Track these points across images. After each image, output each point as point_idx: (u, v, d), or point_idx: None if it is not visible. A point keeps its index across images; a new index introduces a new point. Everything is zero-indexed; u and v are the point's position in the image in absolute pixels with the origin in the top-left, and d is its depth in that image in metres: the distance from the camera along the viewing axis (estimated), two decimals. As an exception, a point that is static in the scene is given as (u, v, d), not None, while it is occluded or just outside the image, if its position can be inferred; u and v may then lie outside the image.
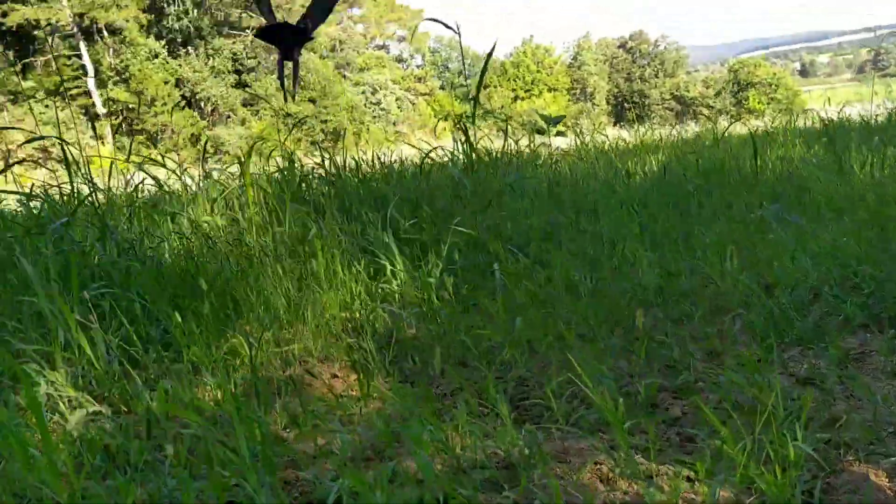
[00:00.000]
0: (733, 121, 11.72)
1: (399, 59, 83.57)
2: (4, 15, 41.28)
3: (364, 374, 2.59)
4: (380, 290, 3.50)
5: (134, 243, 3.74)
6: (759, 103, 59.86)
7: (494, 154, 6.25)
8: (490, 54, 6.68)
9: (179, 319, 2.82)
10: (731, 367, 2.41)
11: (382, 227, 3.85)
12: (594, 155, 7.70)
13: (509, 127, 7.81)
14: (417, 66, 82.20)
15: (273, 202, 4.31)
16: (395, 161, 6.59)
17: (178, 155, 44.08)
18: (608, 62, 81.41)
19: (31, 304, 2.78)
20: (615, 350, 2.68)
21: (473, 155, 5.56)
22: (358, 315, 3.27)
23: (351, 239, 3.80)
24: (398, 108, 64.50)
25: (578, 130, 9.50)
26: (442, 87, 75.64)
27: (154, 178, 5.56)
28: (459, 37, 6.37)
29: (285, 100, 2.89)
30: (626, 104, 79.70)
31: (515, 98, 71.09)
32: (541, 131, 8.34)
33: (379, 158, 6.26)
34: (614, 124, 51.53)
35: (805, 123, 9.76)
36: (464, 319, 3.07)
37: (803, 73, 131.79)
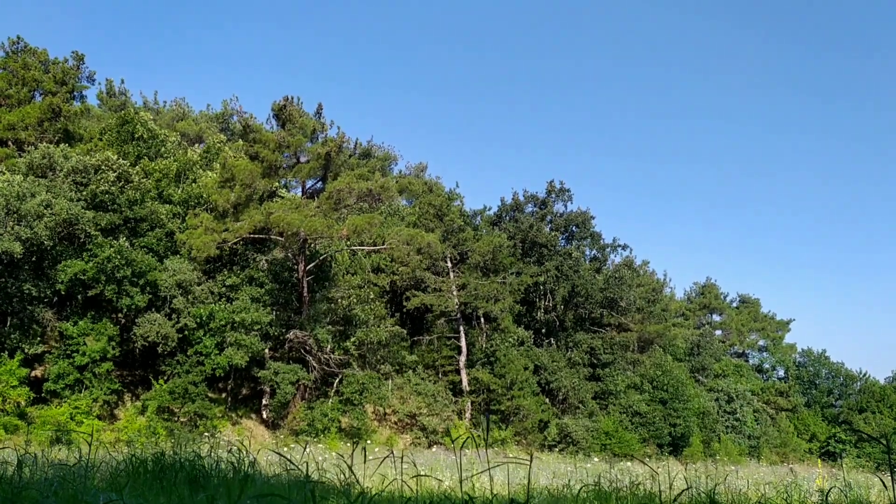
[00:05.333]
0: None
1: (759, 370, 79.78)
2: (407, 299, 49.13)
3: None
4: None
5: None
6: None
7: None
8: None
9: None
10: None
11: None
12: None
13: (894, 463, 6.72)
14: (779, 379, 77.41)
15: None
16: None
17: (525, 439, 45.68)
18: None
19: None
20: None
21: None
22: None
23: None
24: (755, 420, 60.38)
25: None
26: (808, 405, 69.61)
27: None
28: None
29: None
30: None
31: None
32: None
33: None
34: None
35: None
36: None
37: None
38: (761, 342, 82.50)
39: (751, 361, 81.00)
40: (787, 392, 68.28)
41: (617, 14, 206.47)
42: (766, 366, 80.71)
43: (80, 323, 34.89)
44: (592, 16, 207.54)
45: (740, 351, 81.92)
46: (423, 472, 12.61)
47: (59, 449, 19.20)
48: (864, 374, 72.29)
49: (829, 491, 10.11)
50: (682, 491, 5.03)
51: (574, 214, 57.59)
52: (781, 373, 79.05)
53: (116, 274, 34.71)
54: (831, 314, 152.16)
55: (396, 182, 51.46)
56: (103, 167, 37.24)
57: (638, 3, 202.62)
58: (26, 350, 33.87)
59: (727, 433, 57.02)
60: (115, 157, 38.82)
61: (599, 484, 9.49)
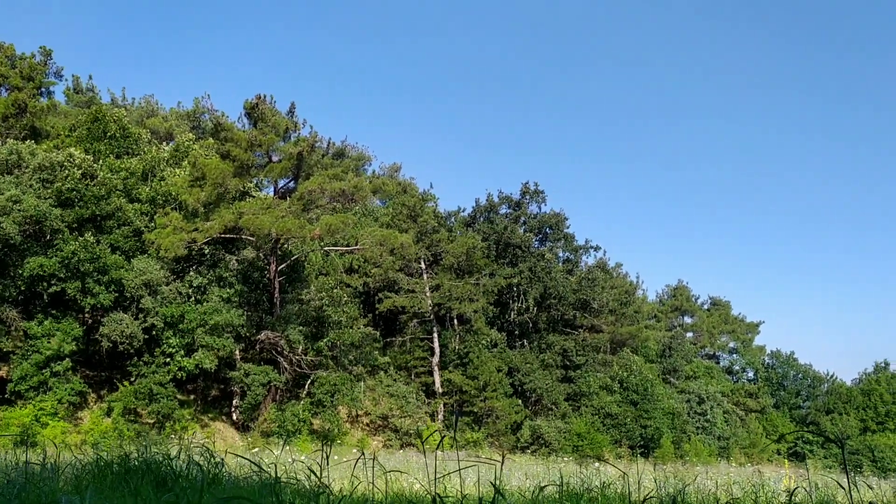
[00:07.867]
0: None
1: (729, 371, 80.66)
2: (380, 301, 48.95)
3: None
4: None
5: None
6: None
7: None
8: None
9: None
10: None
11: None
12: None
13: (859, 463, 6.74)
14: (749, 380, 78.33)
15: None
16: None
17: (498, 440, 45.68)
18: None
19: None
20: None
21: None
22: None
23: None
24: (725, 421, 61.01)
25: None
26: (776, 406, 70.51)
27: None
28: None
29: None
30: None
31: (865, 429, 63.25)
32: None
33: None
34: None
35: None
36: None
37: None
38: (732, 344, 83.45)
39: (721, 363, 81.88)
40: (757, 393, 69.13)
41: (596, 13, 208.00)
42: (737, 367, 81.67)
43: (45, 322, 34.20)
44: (569, 15, 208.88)
45: (711, 353, 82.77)
46: (392, 475, 12.53)
47: (23, 451, 18.81)
48: (831, 376, 73.48)
49: (794, 491, 10.19)
50: (650, 493, 5.00)
51: (548, 216, 57.75)
52: (751, 374, 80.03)
53: (80, 268, 34.03)
54: (800, 317, 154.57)
55: (370, 182, 51.09)
56: (67, 164, 36.59)
57: (612, 1, 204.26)
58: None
59: (697, 434, 57.52)
60: (81, 153, 38.18)
61: (567, 483, 9.48)
